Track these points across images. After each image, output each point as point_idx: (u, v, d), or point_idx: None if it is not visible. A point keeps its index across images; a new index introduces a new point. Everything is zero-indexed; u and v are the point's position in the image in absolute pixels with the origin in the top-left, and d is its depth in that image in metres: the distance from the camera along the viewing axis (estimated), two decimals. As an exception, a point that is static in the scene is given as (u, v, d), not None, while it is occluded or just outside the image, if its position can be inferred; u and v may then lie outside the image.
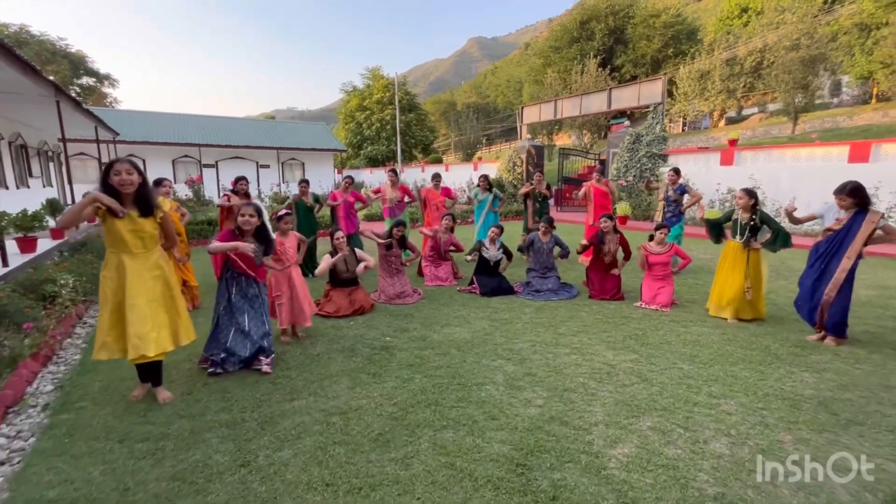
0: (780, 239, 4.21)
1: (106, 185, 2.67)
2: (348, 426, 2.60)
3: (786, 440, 2.45)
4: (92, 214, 2.64)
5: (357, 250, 5.06)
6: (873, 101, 27.26)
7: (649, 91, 16.12)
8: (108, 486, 2.10)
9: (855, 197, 3.63)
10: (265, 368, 3.34)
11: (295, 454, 2.33)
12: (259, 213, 3.37)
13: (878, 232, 3.65)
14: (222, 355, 3.31)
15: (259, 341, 3.39)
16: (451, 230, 6.16)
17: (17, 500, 2.02)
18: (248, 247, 3.19)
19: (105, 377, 3.27)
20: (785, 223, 4.54)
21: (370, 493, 2.04)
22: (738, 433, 2.52)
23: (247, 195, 5.79)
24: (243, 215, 3.31)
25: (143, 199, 2.76)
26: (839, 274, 3.64)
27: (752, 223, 4.26)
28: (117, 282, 2.76)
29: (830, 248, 3.75)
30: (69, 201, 10.93)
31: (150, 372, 2.96)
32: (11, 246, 6.37)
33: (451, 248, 6.19)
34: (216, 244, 3.25)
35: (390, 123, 33.83)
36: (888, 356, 3.59)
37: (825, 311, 3.72)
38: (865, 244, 3.62)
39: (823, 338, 3.90)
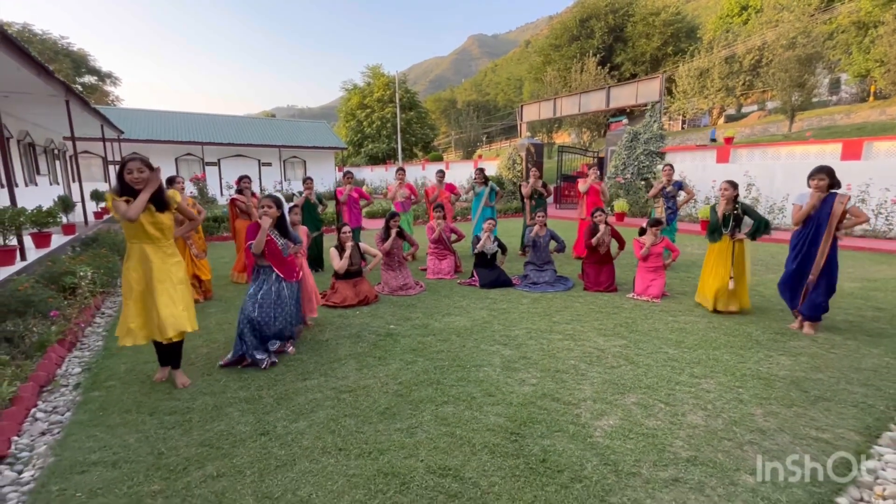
0: (763, 227, 4.45)
1: (122, 183, 2.85)
2: (357, 401, 2.83)
3: (757, 413, 2.69)
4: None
5: (362, 244, 5.29)
6: (871, 98, 27.45)
7: (647, 89, 16.32)
8: (143, 450, 2.34)
9: (832, 177, 3.88)
10: (290, 350, 3.62)
11: (310, 425, 2.57)
12: (278, 204, 3.55)
13: (847, 216, 3.88)
14: (251, 353, 3.38)
15: (284, 330, 3.56)
16: (444, 217, 6.45)
17: (63, 463, 2.25)
18: (266, 221, 3.40)
19: (129, 360, 3.51)
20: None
21: (379, 456, 2.28)
22: (714, 408, 2.75)
23: (252, 194, 6.03)
24: (262, 206, 3.51)
25: (157, 196, 2.93)
26: (819, 258, 3.88)
27: (734, 213, 4.49)
28: (140, 271, 2.94)
29: (809, 232, 3.97)
30: (76, 199, 11.14)
31: (171, 354, 3.16)
32: (27, 241, 6.61)
33: (453, 235, 6.45)
34: (256, 241, 3.41)
35: (391, 121, 34.03)
36: (862, 342, 3.82)
37: (808, 291, 3.95)
38: (837, 228, 3.85)
39: (803, 324, 4.12)
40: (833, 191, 3.90)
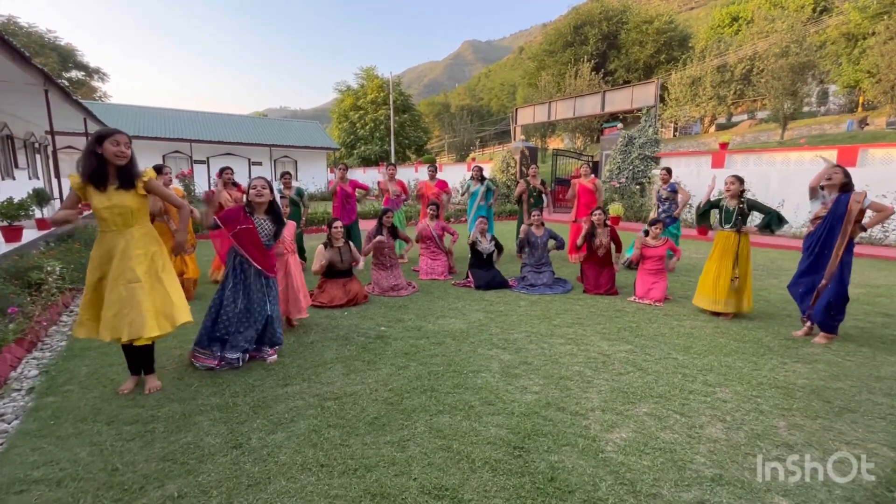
0: (775, 220, 4.27)
1: (94, 154, 2.51)
2: (343, 410, 2.56)
3: (780, 426, 2.47)
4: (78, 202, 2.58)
5: (352, 245, 4.99)
6: (859, 109, 27.87)
7: (642, 94, 16.25)
8: (95, 466, 2.04)
9: (842, 174, 3.72)
10: (270, 359, 3.26)
11: (288, 437, 2.29)
12: (270, 186, 3.24)
13: (868, 213, 3.70)
14: (219, 352, 3.13)
15: (261, 330, 3.25)
16: (437, 217, 6.23)
17: (0, 480, 1.95)
18: (215, 201, 3.10)
19: (92, 362, 3.20)
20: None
21: (366, 473, 2.01)
22: (733, 419, 2.53)
23: (235, 185, 5.74)
24: (255, 187, 3.16)
25: (126, 172, 2.58)
26: (834, 259, 3.69)
27: (740, 207, 4.32)
28: (97, 261, 2.64)
29: (822, 232, 3.80)
30: (56, 194, 10.70)
31: (140, 359, 2.82)
32: (-4, 234, 6.24)
33: (447, 235, 6.23)
34: (208, 216, 3.10)
35: (384, 123, 33.79)
36: (877, 349, 3.64)
37: (819, 295, 3.76)
38: (863, 228, 3.67)
39: (810, 331, 3.93)
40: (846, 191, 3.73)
